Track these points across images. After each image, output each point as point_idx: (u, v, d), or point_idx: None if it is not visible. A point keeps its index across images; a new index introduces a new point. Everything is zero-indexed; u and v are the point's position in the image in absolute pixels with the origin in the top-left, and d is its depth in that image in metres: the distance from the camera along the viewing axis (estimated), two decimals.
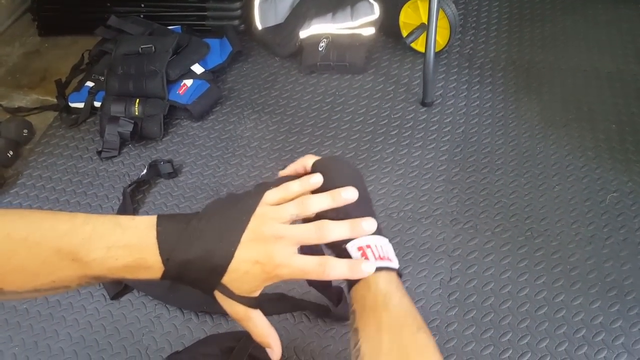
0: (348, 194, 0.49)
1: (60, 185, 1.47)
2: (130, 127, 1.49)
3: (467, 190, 1.34)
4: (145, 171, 1.42)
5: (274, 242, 0.44)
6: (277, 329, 1.12)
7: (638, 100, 1.49)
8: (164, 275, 0.44)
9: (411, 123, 1.51)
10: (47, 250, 0.43)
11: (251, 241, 0.44)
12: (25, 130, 1.60)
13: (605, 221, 1.24)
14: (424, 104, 1.55)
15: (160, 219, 0.45)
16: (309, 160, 0.56)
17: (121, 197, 1.39)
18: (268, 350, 0.49)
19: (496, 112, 1.51)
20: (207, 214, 0.46)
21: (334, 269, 0.45)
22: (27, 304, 1.22)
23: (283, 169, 0.58)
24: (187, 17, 1.81)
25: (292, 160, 0.55)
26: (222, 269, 0.44)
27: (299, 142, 1.50)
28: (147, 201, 1.41)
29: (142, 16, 1.80)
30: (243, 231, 0.45)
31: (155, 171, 1.43)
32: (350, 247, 0.49)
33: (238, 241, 0.44)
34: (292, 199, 0.49)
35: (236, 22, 1.79)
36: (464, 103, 1.55)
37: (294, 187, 0.50)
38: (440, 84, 1.61)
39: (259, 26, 1.76)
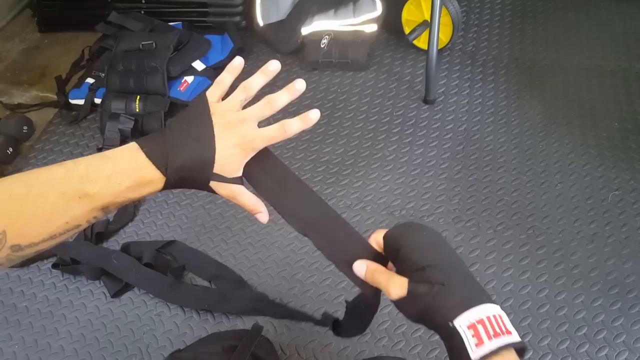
0: (299, 85, 0.58)
1: None
2: (130, 124, 1.48)
3: (469, 188, 1.33)
4: None
5: (240, 125, 0.52)
6: (278, 327, 1.12)
7: None
8: (166, 184, 0.50)
9: (413, 121, 1.51)
10: (52, 196, 0.46)
11: (222, 131, 0.52)
12: (25, 127, 1.60)
13: (607, 219, 1.24)
14: (426, 101, 1.54)
15: (140, 142, 0.50)
16: (379, 235, 0.52)
17: None
18: (258, 215, 0.56)
19: (498, 110, 1.51)
20: (174, 127, 0.52)
21: (291, 126, 0.54)
22: (27, 302, 1.22)
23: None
24: (188, 13, 1.80)
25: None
26: (211, 160, 0.51)
27: (300, 140, 1.49)
28: (147, 198, 1.40)
29: (143, 12, 1.79)
30: (212, 128, 0.51)
31: None
32: (459, 325, 0.40)
33: (213, 135, 0.51)
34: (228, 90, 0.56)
35: (237, 18, 1.78)
36: (466, 101, 1.54)
37: (225, 78, 0.57)
38: (442, 82, 1.60)
39: (261, 22, 1.75)
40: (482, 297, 0.42)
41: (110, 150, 0.50)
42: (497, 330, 0.40)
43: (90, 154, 1.50)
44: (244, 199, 0.54)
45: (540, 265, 1.17)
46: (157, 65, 1.53)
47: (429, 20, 1.47)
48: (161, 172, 0.49)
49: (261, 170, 0.55)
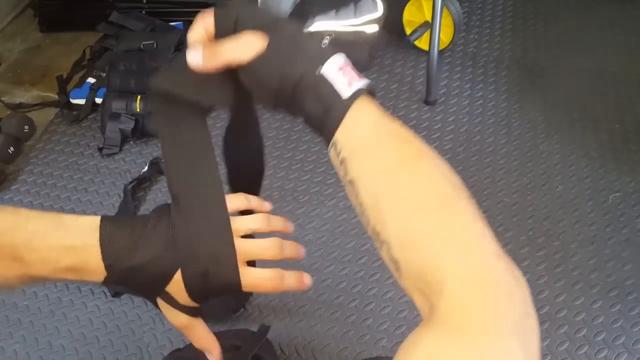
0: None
1: (61, 182, 1.47)
2: (131, 124, 1.49)
3: (469, 190, 1.33)
4: (146, 168, 1.42)
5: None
6: (277, 327, 1.12)
7: None
8: (106, 281, 0.43)
9: (414, 122, 1.51)
10: None
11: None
12: (26, 127, 1.60)
13: (608, 221, 1.24)
14: (427, 102, 1.54)
15: (104, 222, 0.42)
16: (206, 19, 0.43)
17: (122, 195, 1.39)
18: (208, 355, 0.49)
19: (499, 112, 1.51)
20: (153, 219, 0.44)
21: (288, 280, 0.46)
22: (28, 301, 1.22)
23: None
24: (189, 13, 1.80)
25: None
26: (168, 277, 0.42)
27: (300, 141, 1.49)
28: (148, 198, 1.40)
29: (144, 12, 1.79)
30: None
31: (156, 168, 1.43)
32: (328, 70, 0.39)
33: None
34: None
35: None
36: (467, 102, 1.54)
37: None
38: (443, 83, 1.60)
39: None
40: (332, 48, 0.41)
41: (73, 216, 0.43)
42: (356, 73, 0.40)
43: (91, 153, 1.52)
44: (193, 335, 0.47)
45: (540, 267, 1.17)
46: (158, 65, 1.53)
47: (430, 21, 1.47)
48: (105, 265, 0.41)
49: None
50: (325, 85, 0.39)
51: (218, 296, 0.44)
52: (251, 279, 0.44)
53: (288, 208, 1.32)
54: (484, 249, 0.34)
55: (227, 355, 0.78)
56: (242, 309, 1.13)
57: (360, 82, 0.40)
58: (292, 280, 0.45)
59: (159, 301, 0.45)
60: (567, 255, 1.19)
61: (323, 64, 0.40)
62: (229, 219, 0.44)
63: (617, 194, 1.29)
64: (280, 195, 1.36)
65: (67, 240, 0.41)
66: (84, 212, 1.39)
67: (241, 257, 0.43)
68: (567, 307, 1.11)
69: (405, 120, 1.51)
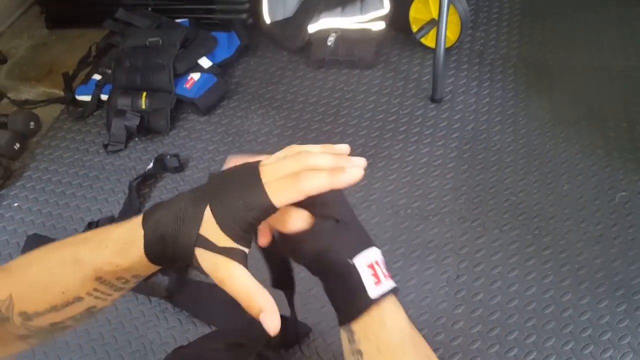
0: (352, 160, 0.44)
1: (66, 179, 1.47)
2: (136, 121, 1.49)
3: (475, 188, 1.33)
4: (151, 165, 1.42)
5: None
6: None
7: None
8: (145, 244, 0.40)
9: (420, 119, 1.50)
10: (53, 261, 0.43)
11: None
12: (32, 123, 1.61)
13: (614, 220, 1.23)
14: (433, 100, 1.54)
15: (150, 208, 0.43)
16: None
17: (127, 191, 1.39)
18: (260, 316, 0.38)
19: (506, 110, 1.50)
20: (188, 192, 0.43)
21: (310, 178, 0.39)
22: None
23: None
24: (195, 10, 1.80)
25: None
26: (199, 214, 0.39)
27: (306, 138, 1.49)
28: (153, 195, 1.40)
29: (150, 9, 1.79)
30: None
31: (161, 165, 1.43)
32: (359, 263, 0.41)
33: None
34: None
35: (244, 15, 1.78)
36: (473, 100, 1.54)
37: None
38: (450, 80, 1.59)
39: (268, 20, 1.75)
40: (371, 240, 0.44)
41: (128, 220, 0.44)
42: (387, 272, 0.42)
43: (97, 150, 1.52)
44: (233, 284, 0.39)
45: (546, 266, 1.17)
46: (164, 62, 1.53)
47: (437, 19, 1.46)
48: (142, 224, 0.41)
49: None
50: (355, 276, 0.41)
51: (259, 222, 0.39)
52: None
53: None
54: None
55: (231, 353, 0.78)
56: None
57: (388, 284, 0.42)
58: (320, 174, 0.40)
59: (198, 252, 0.39)
60: (573, 254, 1.18)
61: (355, 255, 0.42)
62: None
63: (623, 192, 1.28)
64: None
65: (117, 232, 0.42)
66: (88, 209, 1.39)
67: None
68: (573, 307, 1.10)
69: (411, 118, 1.51)
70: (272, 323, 0.37)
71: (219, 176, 0.42)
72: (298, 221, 0.42)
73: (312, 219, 0.42)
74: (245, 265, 0.39)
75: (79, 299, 0.42)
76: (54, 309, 0.42)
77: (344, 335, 0.43)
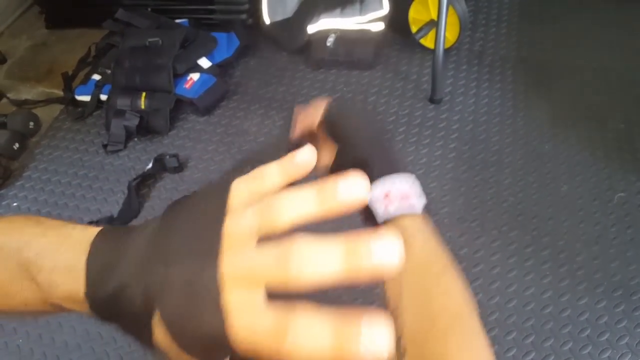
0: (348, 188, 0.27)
1: (65, 179, 1.47)
2: (136, 121, 1.49)
3: (474, 189, 1.33)
4: (150, 165, 1.42)
5: None
6: None
7: None
8: (92, 312, 0.30)
9: (419, 120, 1.51)
10: (12, 264, 0.33)
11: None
12: (32, 123, 1.61)
13: (613, 221, 1.23)
14: (432, 101, 1.54)
15: (99, 235, 0.32)
16: (317, 111, 0.48)
17: (126, 191, 1.39)
18: None
19: (505, 110, 1.50)
20: (143, 224, 0.31)
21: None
22: None
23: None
24: (194, 10, 1.80)
25: None
26: (148, 313, 0.28)
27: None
28: (152, 195, 1.41)
29: (149, 9, 1.79)
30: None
31: (161, 165, 1.43)
32: (372, 194, 0.45)
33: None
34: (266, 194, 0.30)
35: (244, 16, 1.78)
36: (473, 100, 1.54)
37: (271, 174, 0.30)
38: (449, 81, 1.60)
39: (267, 20, 1.75)
40: (399, 164, 0.46)
41: (81, 226, 0.33)
42: (402, 197, 0.45)
43: (96, 150, 1.52)
44: None
45: (545, 266, 1.17)
46: (163, 63, 1.54)
47: (436, 20, 1.46)
48: (85, 291, 0.30)
49: None
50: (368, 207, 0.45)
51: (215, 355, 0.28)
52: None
53: None
54: None
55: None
56: None
57: (397, 208, 0.44)
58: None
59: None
60: (571, 255, 1.18)
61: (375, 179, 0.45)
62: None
63: (622, 193, 1.29)
64: None
65: (66, 258, 0.32)
66: (87, 209, 1.39)
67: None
68: (571, 307, 1.10)
69: (410, 118, 1.51)
70: None
71: (187, 232, 0.28)
72: (324, 155, 0.48)
73: (335, 153, 0.47)
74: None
75: (43, 313, 0.34)
76: (20, 313, 0.34)
77: None
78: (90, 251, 0.31)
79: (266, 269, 0.25)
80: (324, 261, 0.24)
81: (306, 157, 0.30)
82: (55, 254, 0.32)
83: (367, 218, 0.46)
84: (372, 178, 0.46)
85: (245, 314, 0.25)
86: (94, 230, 0.32)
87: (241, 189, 0.29)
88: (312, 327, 0.23)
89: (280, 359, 0.24)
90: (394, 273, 0.24)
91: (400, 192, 0.45)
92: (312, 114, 0.48)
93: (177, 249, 0.28)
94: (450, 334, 0.40)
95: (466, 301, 0.42)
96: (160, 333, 0.28)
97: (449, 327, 0.41)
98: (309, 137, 0.48)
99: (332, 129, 0.47)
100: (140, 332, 0.29)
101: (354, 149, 0.47)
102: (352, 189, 0.27)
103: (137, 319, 0.29)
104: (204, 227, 0.28)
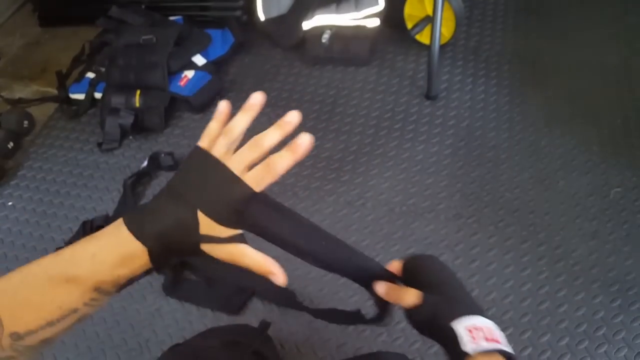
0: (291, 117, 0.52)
1: (60, 177, 1.46)
2: (131, 119, 1.48)
3: (470, 185, 1.33)
4: (145, 163, 1.41)
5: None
6: (277, 323, 1.12)
7: None
8: (151, 257, 0.45)
9: (415, 116, 1.50)
10: (42, 281, 0.45)
11: None
12: (26, 122, 1.60)
13: (609, 216, 1.24)
14: (428, 97, 1.54)
15: (127, 215, 0.46)
16: (396, 263, 0.56)
17: (121, 190, 1.39)
18: (272, 277, 0.48)
19: (501, 106, 1.50)
20: (160, 192, 0.48)
21: (278, 163, 0.47)
22: None
23: None
24: (188, 7, 1.79)
25: None
26: (194, 219, 0.45)
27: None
28: (147, 194, 1.40)
29: (143, 7, 1.78)
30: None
31: (156, 163, 1.42)
32: (458, 326, 0.47)
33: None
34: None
35: (238, 12, 1.77)
36: (469, 96, 1.54)
37: (212, 127, 0.53)
38: (445, 77, 1.59)
39: (262, 17, 1.74)
40: (481, 311, 0.49)
41: (99, 231, 0.47)
42: (490, 337, 0.46)
43: (91, 148, 1.52)
44: (248, 260, 0.48)
45: (541, 262, 1.17)
46: (158, 60, 1.53)
47: (432, 15, 1.46)
48: (142, 243, 0.45)
49: (263, 215, 0.48)
50: (452, 336, 0.46)
51: (243, 211, 0.46)
52: (250, 181, 0.47)
53: (288, 203, 1.31)
54: None
55: (227, 350, 0.78)
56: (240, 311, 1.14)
57: (488, 344, 0.45)
58: (284, 155, 0.48)
59: (204, 247, 0.47)
60: (568, 250, 1.19)
61: (454, 320, 0.47)
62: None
63: (618, 189, 1.29)
64: (280, 190, 1.36)
65: (102, 243, 0.46)
66: (83, 208, 1.39)
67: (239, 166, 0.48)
68: (568, 302, 1.10)
69: (406, 115, 1.51)
70: (280, 280, 0.47)
71: (189, 174, 0.48)
72: (412, 297, 0.50)
73: (423, 296, 0.50)
74: (247, 243, 0.48)
75: (75, 310, 0.46)
76: (50, 324, 0.45)
77: None
78: (127, 222, 0.45)
79: (246, 157, 0.48)
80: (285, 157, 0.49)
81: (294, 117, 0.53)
82: (88, 248, 0.45)
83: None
84: (458, 309, 0.49)
85: (251, 180, 0.47)
86: (116, 222, 0.46)
87: (202, 144, 0.52)
88: None
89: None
90: None
91: (492, 333, 0.46)
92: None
93: (194, 179, 0.47)
94: None
95: None
96: (204, 224, 0.45)
97: None
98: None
99: (413, 279, 0.53)
100: (192, 242, 0.46)
101: (440, 288, 0.51)
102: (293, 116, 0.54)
103: (186, 233, 0.45)
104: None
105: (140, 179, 1.42)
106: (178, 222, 0.45)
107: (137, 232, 0.45)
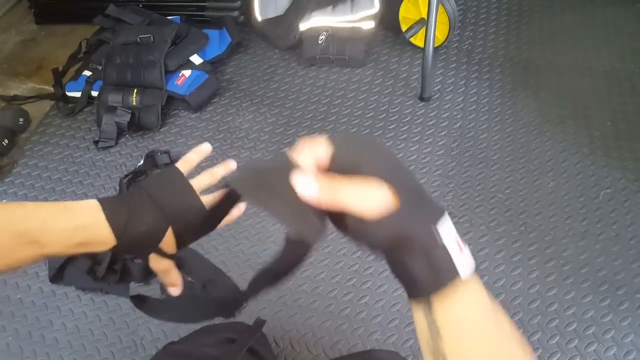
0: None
1: (56, 175, 1.47)
2: (127, 117, 1.49)
3: (462, 185, 1.35)
4: (142, 162, 1.42)
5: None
6: (271, 321, 1.13)
7: (633, 98, 1.50)
8: (115, 248, 0.50)
9: (409, 117, 1.52)
10: (6, 234, 0.47)
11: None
12: (21, 119, 1.60)
13: (598, 217, 1.26)
14: (422, 98, 1.56)
15: (103, 202, 0.51)
16: (318, 146, 0.39)
17: (117, 188, 1.39)
18: (173, 289, 0.57)
19: (493, 108, 1.52)
20: (138, 194, 0.53)
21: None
22: (22, 294, 1.22)
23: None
24: (186, 7, 1.80)
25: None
26: (164, 233, 0.52)
27: (297, 135, 1.50)
28: None
29: (141, 6, 1.79)
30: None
31: (152, 162, 1.43)
32: (443, 237, 0.38)
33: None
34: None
35: (235, 13, 1.78)
36: (461, 98, 1.56)
37: (191, 157, 0.63)
38: (438, 79, 1.61)
39: (259, 17, 1.75)
40: (438, 203, 0.41)
41: (71, 202, 0.51)
42: (465, 251, 0.38)
43: (87, 146, 1.52)
44: (170, 275, 0.56)
45: (532, 262, 1.19)
46: (155, 59, 1.53)
47: (426, 18, 1.47)
48: (115, 236, 0.50)
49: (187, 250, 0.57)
50: (444, 255, 0.37)
51: (197, 238, 0.55)
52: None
53: None
54: None
55: (222, 348, 0.79)
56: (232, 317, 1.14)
57: (471, 260, 0.38)
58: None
59: (152, 256, 0.53)
60: (558, 250, 1.20)
61: (436, 223, 0.38)
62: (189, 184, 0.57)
63: (608, 190, 1.31)
64: None
65: (77, 221, 0.49)
66: None
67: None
68: (558, 301, 1.12)
69: (400, 116, 1.53)
70: (175, 292, 0.57)
71: (170, 190, 0.55)
72: (381, 203, 0.36)
73: (397, 199, 0.37)
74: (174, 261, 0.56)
75: (20, 266, 0.49)
76: (2, 269, 0.49)
77: (418, 309, 0.39)
78: (106, 213, 0.49)
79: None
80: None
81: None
82: (62, 219, 0.48)
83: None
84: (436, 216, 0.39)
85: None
86: (89, 201, 0.50)
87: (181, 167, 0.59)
88: None
89: None
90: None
91: (460, 242, 0.39)
92: (314, 147, 0.39)
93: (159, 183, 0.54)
94: None
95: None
96: (167, 239, 0.52)
97: None
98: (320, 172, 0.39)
99: (347, 163, 0.38)
100: (150, 250, 0.52)
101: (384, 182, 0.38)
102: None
103: (153, 243, 0.51)
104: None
105: (136, 177, 1.42)
106: (153, 232, 0.51)
107: (116, 226, 0.49)
